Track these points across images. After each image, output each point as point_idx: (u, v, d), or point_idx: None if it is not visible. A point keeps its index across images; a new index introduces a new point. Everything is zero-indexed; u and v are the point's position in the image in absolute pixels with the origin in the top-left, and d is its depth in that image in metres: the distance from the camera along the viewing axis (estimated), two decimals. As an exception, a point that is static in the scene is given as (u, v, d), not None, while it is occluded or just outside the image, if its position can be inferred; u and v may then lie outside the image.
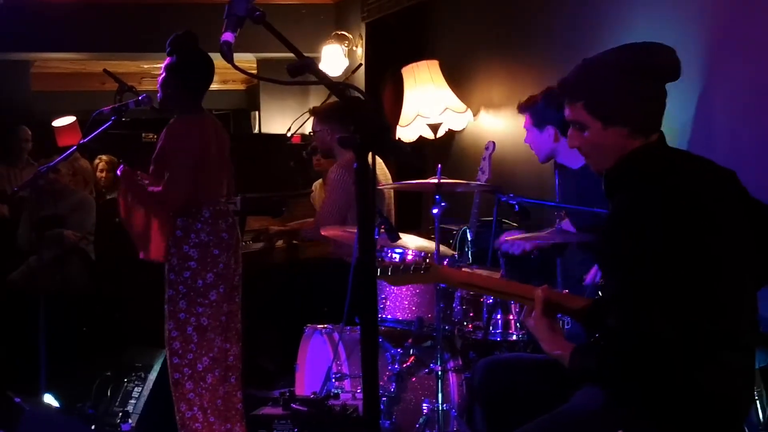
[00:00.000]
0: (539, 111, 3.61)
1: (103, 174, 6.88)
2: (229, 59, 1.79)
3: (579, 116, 2.22)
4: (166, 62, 3.75)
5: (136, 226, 3.77)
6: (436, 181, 3.51)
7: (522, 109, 3.71)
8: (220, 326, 3.74)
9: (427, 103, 5.34)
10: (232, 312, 3.81)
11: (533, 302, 2.27)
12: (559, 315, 3.12)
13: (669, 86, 2.20)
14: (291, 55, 1.80)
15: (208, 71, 3.78)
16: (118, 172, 3.78)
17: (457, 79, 5.50)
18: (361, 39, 7.02)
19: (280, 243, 5.08)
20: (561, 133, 3.56)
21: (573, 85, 2.23)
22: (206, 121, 3.77)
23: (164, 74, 3.74)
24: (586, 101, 2.20)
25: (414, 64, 5.51)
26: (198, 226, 3.69)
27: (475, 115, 5.42)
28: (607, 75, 2.19)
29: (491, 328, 3.50)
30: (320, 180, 5.46)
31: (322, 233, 4.26)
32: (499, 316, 3.49)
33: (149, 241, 3.78)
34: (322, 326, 3.95)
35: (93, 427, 4.32)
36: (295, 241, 5.09)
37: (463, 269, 3.72)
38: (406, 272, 2.34)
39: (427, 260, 2.34)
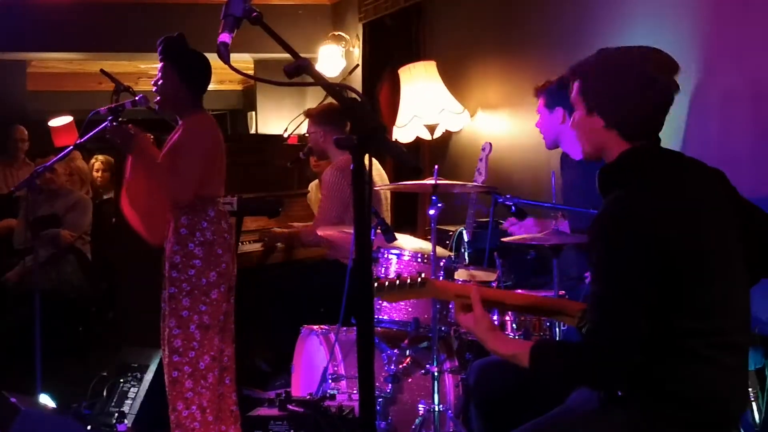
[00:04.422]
0: (552, 92, 3.66)
1: (99, 174, 6.88)
2: (225, 60, 1.79)
3: (574, 95, 2.26)
4: (162, 66, 3.74)
5: (141, 208, 3.78)
6: (432, 182, 3.51)
7: (538, 92, 3.77)
8: (219, 325, 3.74)
9: (423, 104, 5.34)
10: (228, 312, 3.81)
11: (470, 300, 2.28)
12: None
13: None
14: (288, 55, 1.80)
15: (208, 71, 3.80)
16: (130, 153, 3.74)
17: (454, 79, 5.51)
18: (358, 40, 7.02)
19: (278, 244, 5.09)
20: (569, 115, 3.58)
21: (580, 65, 2.27)
22: (214, 120, 3.81)
23: (165, 79, 3.73)
24: (581, 82, 2.24)
25: (411, 65, 5.51)
26: (204, 225, 3.70)
27: (472, 116, 5.42)
28: (604, 65, 2.22)
29: (487, 329, 3.49)
30: (317, 181, 5.46)
31: (319, 234, 4.27)
32: (495, 317, 3.49)
33: (152, 225, 3.80)
34: (318, 327, 3.95)
35: (89, 427, 4.31)
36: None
37: (460, 269, 3.73)
38: (402, 288, 2.35)
39: (422, 275, 2.35)
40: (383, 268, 3.67)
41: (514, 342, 2.25)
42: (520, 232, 3.59)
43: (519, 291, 3.40)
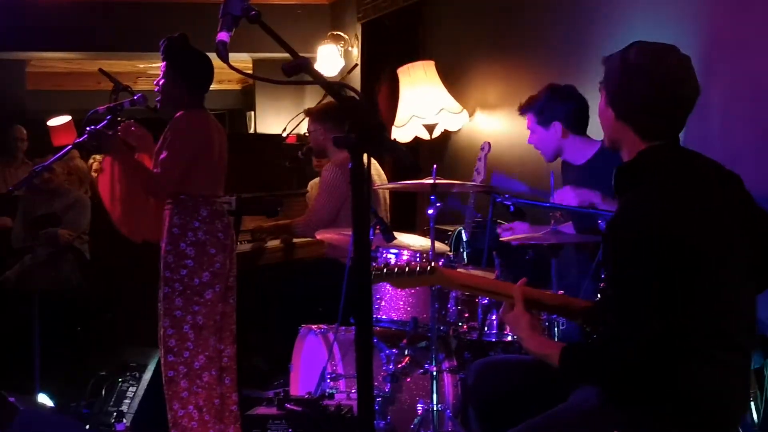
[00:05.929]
0: (543, 107, 3.59)
1: (97, 174, 6.87)
2: (224, 59, 1.79)
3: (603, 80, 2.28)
4: (164, 66, 3.75)
5: (119, 203, 3.86)
6: (431, 181, 3.51)
7: (524, 109, 3.68)
8: (215, 326, 3.74)
9: (422, 104, 5.34)
10: (226, 313, 3.81)
11: (513, 299, 2.30)
12: (554, 315, 3.15)
13: None
14: (287, 55, 1.80)
15: (210, 71, 3.79)
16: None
17: (453, 79, 5.51)
18: (357, 39, 7.02)
19: (276, 242, 5.08)
20: (567, 127, 3.55)
21: (609, 56, 2.28)
22: (210, 119, 3.80)
23: (166, 78, 3.74)
24: (604, 71, 2.26)
25: (410, 65, 5.51)
26: (195, 224, 3.70)
27: (470, 115, 5.42)
28: (621, 59, 2.22)
29: (486, 328, 3.50)
30: (316, 179, 5.45)
31: (318, 237, 4.27)
32: (494, 317, 3.49)
33: (131, 221, 3.88)
34: (317, 326, 3.95)
35: (87, 426, 4.31)
36: (293, 240, 5.10)
37: (459, 269, 3.73)
38: (411, 275, 2.35)
39: (432, 263, 2.36)
40: (382, 267, 3.66)
41: (547, 343, 2.26)
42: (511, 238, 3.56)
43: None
